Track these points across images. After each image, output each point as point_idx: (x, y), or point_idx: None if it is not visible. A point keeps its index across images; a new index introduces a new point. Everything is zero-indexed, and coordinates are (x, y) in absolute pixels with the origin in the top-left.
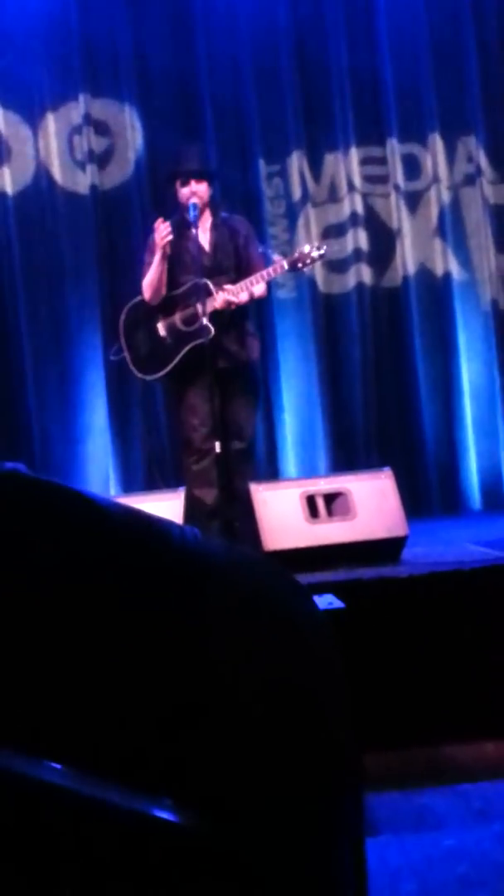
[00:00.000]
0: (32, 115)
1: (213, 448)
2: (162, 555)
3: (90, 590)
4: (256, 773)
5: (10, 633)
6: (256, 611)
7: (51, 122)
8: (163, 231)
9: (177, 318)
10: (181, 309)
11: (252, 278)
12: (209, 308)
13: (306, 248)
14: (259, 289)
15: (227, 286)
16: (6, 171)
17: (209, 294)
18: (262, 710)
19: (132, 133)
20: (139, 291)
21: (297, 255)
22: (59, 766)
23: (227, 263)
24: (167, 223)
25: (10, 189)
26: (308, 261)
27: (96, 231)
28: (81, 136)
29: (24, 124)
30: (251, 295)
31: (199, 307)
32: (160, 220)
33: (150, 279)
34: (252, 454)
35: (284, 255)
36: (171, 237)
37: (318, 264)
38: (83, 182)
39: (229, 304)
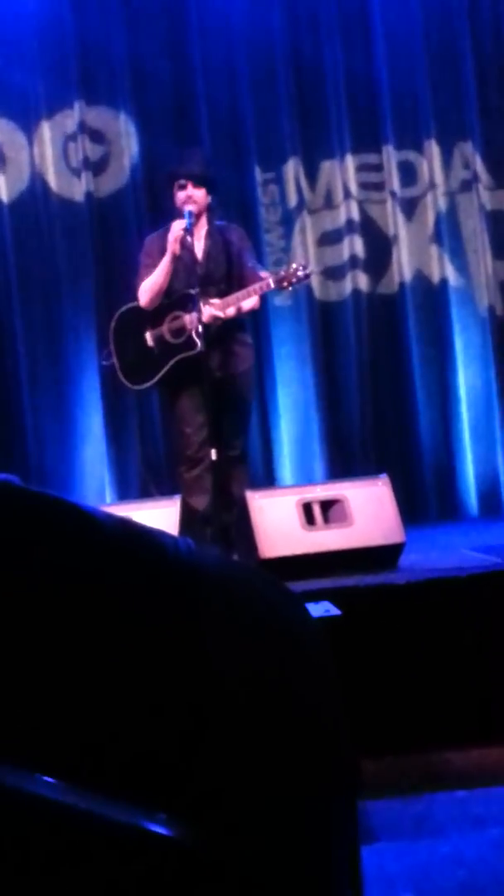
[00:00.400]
0: (28, 123)
1: (206, 456)
2: (155, 567)
3: (83, 602)
4: (251, 781)
5: (1, 644)
6: (250, 620)
7: (46, 130)
8: (176, 229)
9: (165, 328)
10: (170, 320)
11: (239, 294)
12: (197, 322)
13: (292, 267)
14: (249, 303)
15: (214, 301)
16: (1, 179)
17: (198, 306)
18: (257, 718)
19: (127, 140)
20: (134, 298)
21: (283, 273)
22: (51, 780)
23: (218, 274)
24: (182, 221)
25: (5, 196)
26: (294, 280)
27: (92, 238)
28: (77, 144)
29: (19, 132)
30: (238, 310)
31: (188, 320)
32: (176, 220)
33: (153, 281)
34: (246, 461)
35: (279, 263)
36: (184, 236)
37: (313, 273)
38: (78, 189)
39: (215, 318)
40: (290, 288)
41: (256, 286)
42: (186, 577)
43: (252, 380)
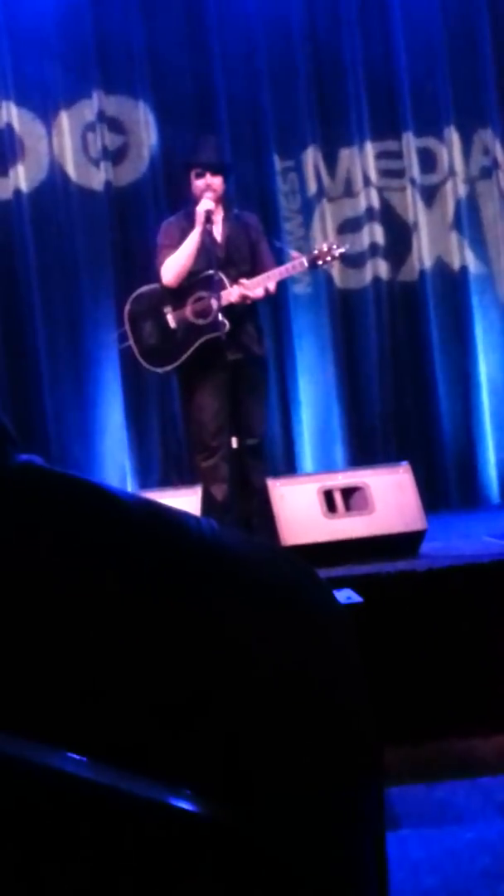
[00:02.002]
0: (46, 113)
1: (224, 445)
2: (179, 546)
3: (108, 581)
4: (276, 765)
5: (28, 624)
6: (274, 602)
7: (65, 120)
8: (203, 208)
9: (188, 310)
10: (192, 301)
11: (270, 274)
12: (223, 302)
13: (325, 247)
14: (272, 284)
15: (244, 280)
16: (21, 169)
17: (223, 287)
18: (281, 701)
19: (146, 130)
20: (152, 283)
21: (316, 252)
22: (79, 757)
23: (238, 256)
24: (209, 200)
25: (24, 186)
26: (328, 258)
27: (111, 228)
28: (95, 134)
29: (38, 122)
30: (266, 291)
31: (214, 301)
32: (201, 202)
33: (178, 259)
34: (264, 450)
35: (301, 251)
36: (212, 207)
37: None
38: (97, 179)
39: (245, 298)
40: (325, 266)
41: (290, 265)
42: (210, 557)
43: (268, 365)
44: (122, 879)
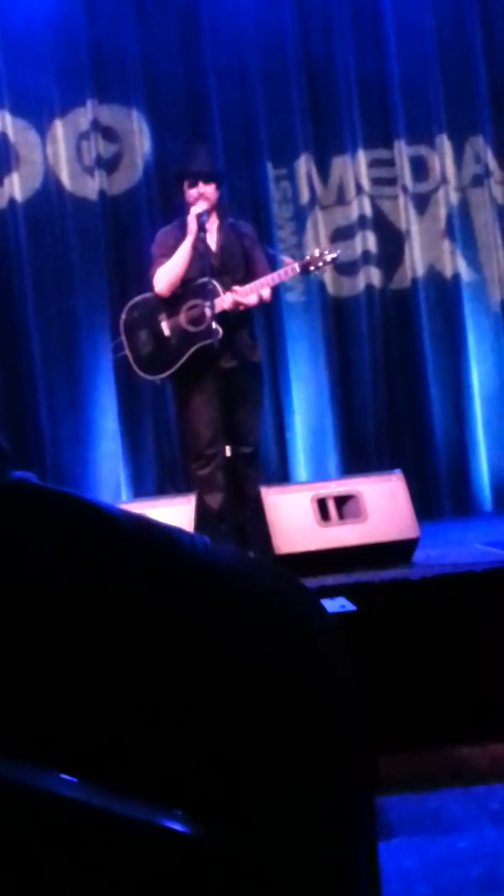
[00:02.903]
0: (41, 122)
1: (219, 453)
2: (172, 563)
3: (100, 599)
4: (268, 777)
5: (19, 640)
6: (265, 616)
7: (59, 128)
8: (194, 213)
9: (182, 317)
10: (186, 309)
11: (262, 280)
12: (217, 309)
13: (317, 252)
14: (266, 292)
15: (236, 287)
16: (15, 178)
17: (216, 295)
18: (273, 714)
19: (140, 138)
20: (147, 292)
21: (308, 258)
22: (70, 778)
23: (233, 264)
24: (201, 205)
25: (19, 195)
26: (320, 264)
27: (105, 236)
28: (90, 142)
29: (32, 130)
30: (260, 297)
31: (208, 308)
32: (193, 208)
33: (171, 268)
34: (258, 458)
35: (294, 258)
36: (201, 224)
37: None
38: (92, 187)
39: (238, 304)
40: (317, 272)
41: (282, 271)
42: (202, 574)
43: (262, 373)
44: None
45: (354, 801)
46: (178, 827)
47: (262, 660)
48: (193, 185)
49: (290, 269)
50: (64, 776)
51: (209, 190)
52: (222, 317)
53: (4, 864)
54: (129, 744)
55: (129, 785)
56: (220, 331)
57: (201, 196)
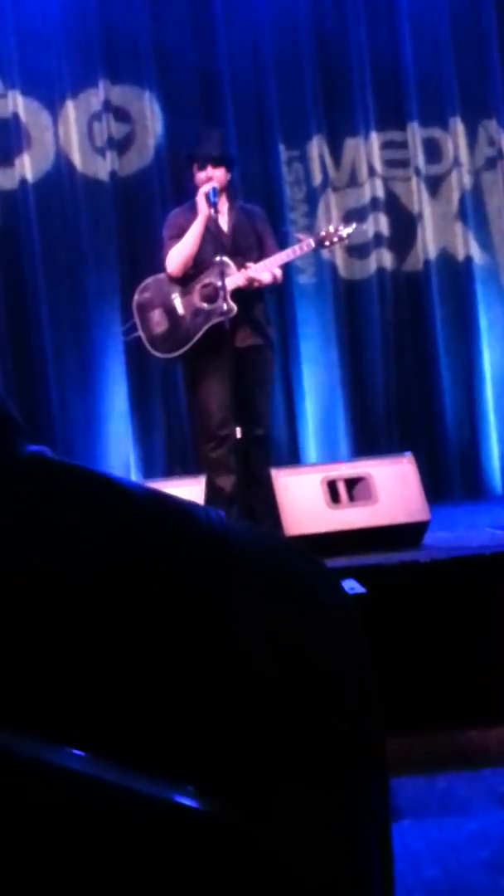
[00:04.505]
0: (52, 102)
1: (231, 434)
2: (188, 537)
3: (116, 573)
4: (282, 758)
5: (34, 616)
6: (282, 593)
7: (70, 109)
8: (204, 190)
9: (195, 295)
10: (200, 287)
11: (277, 256)
12: (230, 286)
13: (332, 228)
14: (278, 272)
15: (250, 264)
16: (26, 158)
17: (230, 272)
18: (288, 693)
19: (152, 119)
20: (158, 273)
21: (323, 233)
22: (80, 753)
23: (245, 245)
24: (210, 184)
25: (30, 176)
26: (335, 239)
27: (116, 217)
28: (101, 123)
29: (44, 111)
30: (274, 277)
31: (221, 285)
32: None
33: (183, 247)
34: (269, 440)
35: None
36: (214, 188)
37: (338, 249)
38: (103, 168)
39: (252, 281)
40: (332, 247)
41: (297, 246)
42: (218, 548)
43: (273, 354)
44: (124, 875)
45: (368, 783)
46: (190, 803)
47: (275, 636)
48: (203, 168)
49: (305, 244)
50: (73, 751)
51: (218, 173)
52: (236, 294)
53: (13, 836)
54: (140, 724)
55: (141, 765)
56: (235, 308)
57: (210, 180)
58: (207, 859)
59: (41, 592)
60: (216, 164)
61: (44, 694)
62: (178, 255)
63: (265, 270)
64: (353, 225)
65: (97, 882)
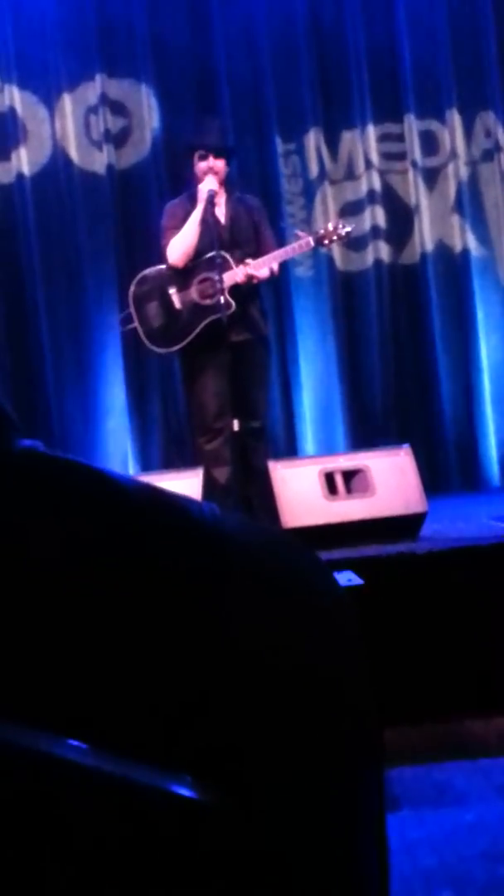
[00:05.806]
0: (49, 96)
1: (226, 427)
2: (182, 532)
3: (110, 568)
4: (277, 751)
5: (27, 612)
6: (277, 587)
7: (67, 103)
8: (206, 188)
9: (193, 291)
10: (197, 282)
11: (276, 254)
12: (228, 282)
13: (331, 226)
14: (275, 265)
15: (249, 260)
16: (23, 152)
17: (228, 268)
18: (284, 686)
19: (148, 112)
20: (157, 265)
21: (322, 232)
22: (79, 744)
23: (242, 238)
24: (211, 180)
25: (27, 169)
26: (334, 237)
27: (113, 210)
28: (98, 116)
29: (40, 104)
30: (271, 271)
31: (219, 281)
32: (203, 183)
33: (183, 238)
34: (266, 432)
35: (303, 233)
36: (215, 188)
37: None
38: (100, 161)
39: (251, 278)
40: (331, 245)
41: (296, 244)
42: (212, 542)
43: (270, 347)
44: (123, 865)
45: (364, 775)
46: (187, 793)
47: (272, 632)
48: (204, 158)
49: (304, 242)
50: (72, 742)
51: (219, 164)
52: (234, 290)
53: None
54: (136, 719)
55: (135, 752)
56: (233, 304)
57: (211, 170)
58: (205, 848)
59: (35, 587)
60: (217, 155)
61: (40, 688)
62: (179, 247)
63: (264, 266)
64: (353, 224)
65: (97, 870)
